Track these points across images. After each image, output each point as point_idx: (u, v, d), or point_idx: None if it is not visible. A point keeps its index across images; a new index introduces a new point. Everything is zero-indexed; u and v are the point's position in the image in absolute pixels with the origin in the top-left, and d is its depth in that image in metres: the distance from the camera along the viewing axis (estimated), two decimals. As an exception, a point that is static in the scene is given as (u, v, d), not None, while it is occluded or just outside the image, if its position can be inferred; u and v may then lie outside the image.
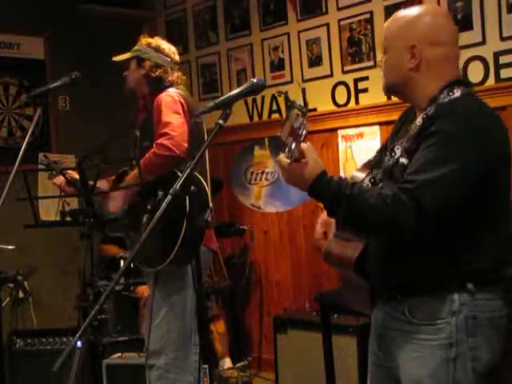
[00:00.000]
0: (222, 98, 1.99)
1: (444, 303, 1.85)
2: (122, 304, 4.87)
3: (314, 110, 4.65)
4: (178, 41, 5.42)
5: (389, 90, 2.05)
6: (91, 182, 2.94)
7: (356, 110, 4.42)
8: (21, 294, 4.73)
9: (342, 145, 4.49)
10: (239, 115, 4.93)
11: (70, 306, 4.73)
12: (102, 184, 3.19)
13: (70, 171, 3.18)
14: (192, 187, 2.93)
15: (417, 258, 1.87)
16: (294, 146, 1.81)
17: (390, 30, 1.99)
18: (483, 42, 3.79)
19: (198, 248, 3.05)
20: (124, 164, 3.28)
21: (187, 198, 2.91)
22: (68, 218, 3.03)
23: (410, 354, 1.90)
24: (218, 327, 4.66)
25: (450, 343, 1.84)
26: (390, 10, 4.03)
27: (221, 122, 1.94)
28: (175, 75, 3.31)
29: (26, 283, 4.72)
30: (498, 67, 3.76)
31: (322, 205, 1.90)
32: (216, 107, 1.97)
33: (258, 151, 4.97)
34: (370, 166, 2.13)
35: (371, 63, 4.26)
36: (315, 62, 4.63)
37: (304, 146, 1.85)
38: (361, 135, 4.38)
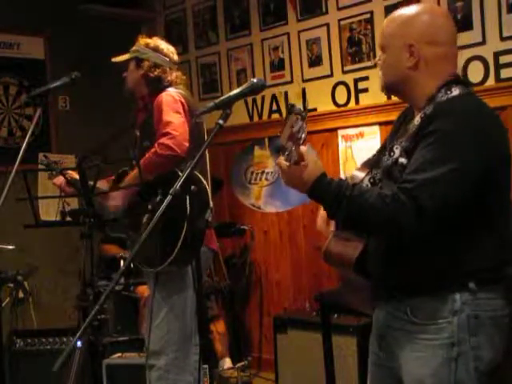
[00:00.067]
0: (221, 98, 1.99)
1: (445, 303, 1.85)
2: (122, 304, 4.87)
3: (314, 110, 4.65)
4: (178, 41, 5.43)
5: (387, 89, 2.05)
6: (91, 182, 2.94)
7: (356, 110, 4.42)
8: (21, 294, 4.73)
9: (341, 145, 4.49)
10: (239, 115, 4.94)
11: (70, 306, 4.75)
12: (102, 184, 3.19)
13: (69, 171, 3.18)
14: (192, 187, 2.93)
15: (417, 258, 1.87)
16: (293, 149, 1.82)
17: (389, 29, 1.99)
18: (483, 42, 3.79)
19: (199, 248, 3.05)
20: (124, 164, 3.28)
21: (188, 197, 2.91)
22: (68, 218, 3.03)
23: (411, 354, 1.90)
24: (218, 327, 4.65)
25: (452, 343, 1.84)
26: (390, 10, 4.01)
27: (221, 122, 1.94)
28: (174, 75, 3.31)
29: (26, 283, 4.72)
30: (498, 67, 3.76)
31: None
32: (216, 107, 1.97)
33: (257, 151, 4.97)
34: (369, 165, 2.13)
35: (371, 63, 4.26)
36: (315, 62, 4.63)
37: (303, 148, 1.85)
38: (361, 135, 4.38)
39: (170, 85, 3.27)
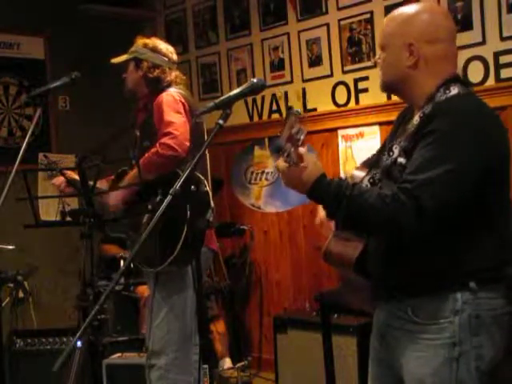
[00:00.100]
0: (221, 98, 1.99)
1: (447, 302, 1.85)
2: (122, 304, 4.87)
3: (314, 110, 4.65)
4: (178, 41, 5.43)
5: (386, 88, 2.05)
6: (91, 182, 2.94)
7: (356, 110, 4.42)
8: (21, 294, 4.73)
9: (341, 145, 4.49)
10: (239, 115, 4.94)
11: (70, 306, 4.75)
12: (102, 184, 3.20)
13: (69, 171, 3.18)
14: (192, 187, 2.93)
15: (417, 258, 1.87)
16: (292, 150, 1.82)
17: (388, 28, 1.99)
18: (483, 42, 3.79)
19: (200, 248, 3.05)
20: (124, 164, 3.28)
21: (189, 198, 2.92)
22: (68, 218, 3.03)
23: (412, 354, 1.90)
24: (218, 327, 4.66)
25: (453, 342, 1.84)
26: (390, 10, 3.96)
27: (221, 121, 1.94)
28: (173, 75, 3.31)
29: (26, 283, 4.73)
30: (498, 67, 3.76)
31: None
32: (216, 107, 1.97)
33: (257, 151, 4.97)
34: (368, 165, 2.13)
35: (371, 63, 4.26)
36: (315, 61, 4.63)
37: (302, 150, 1.85)
38: (361, 135, 4.38)
39: (170, 85, 3.27)
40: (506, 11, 3.69)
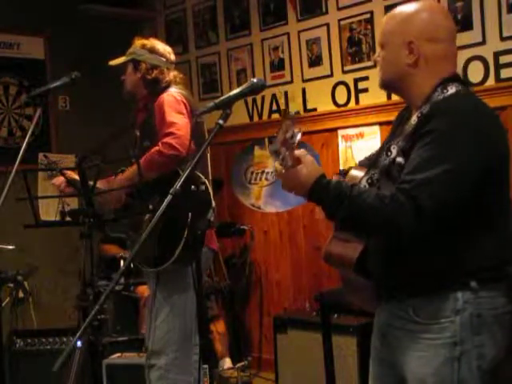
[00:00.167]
0: (221, 98, 1.99)
1: (447, 302, 1.85)
2: (122, 304, 4.87)
3: (314, 110, 4.65)
4: (178, 41, 5.43)
5: (385, 86, 2.05)
6: (91, 182, 2.94)
7: (356, 110, 4.42)
8: (21, 294, 4.73)
9: (341, 145, 4.49)
10: (239, 115, 4.94)
11: (70, 306, 4.75)
12: (102, 184, 3.19)
13: (69, 171, 3.18)
14: (192, 187, 2.93)
15: (416, 258, 1.87)
16: (286, 153, 1.81)
17: (388, 26, 1.99)
18: (483, 42, 3.79)
19: (201, 248, 3.06)
20: (124, 163, 3.28)
21: (190, 197, 2.92)
22: (68, 218, 3.03)
23: (414, 353, 1.90)
24: (218, 327, 4.66)
25: (455, 342, 1.84)
26: (390, 10, 3.97)
27: (221, 121, 1.94)
28: (172, 75, 3.31)
29: (26, 283, 4.73)
30: (498, 67, 3.76)
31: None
32: (216, 107, 1.97)
33: (257, 151, 4.97)
34: (367, 164, 2.13)
35: (371, 63, 4.26)
36: (315, 61, 4.63)
37: (298, 152, 1.84)
38: (361, 135, 4.38)
39: (169, 85, 3.27)
40: (506, 11, 3.70)
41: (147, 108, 3.29)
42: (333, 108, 4.55)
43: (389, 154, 1.95)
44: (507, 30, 3.70)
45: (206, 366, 3.15)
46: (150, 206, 3.02)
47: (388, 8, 4.10)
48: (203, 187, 3.09)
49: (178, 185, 1.84)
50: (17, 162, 2.70)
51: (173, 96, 3.17)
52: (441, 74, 1.93)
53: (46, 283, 5.01)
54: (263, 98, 4.90)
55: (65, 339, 4.37)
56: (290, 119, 1.81)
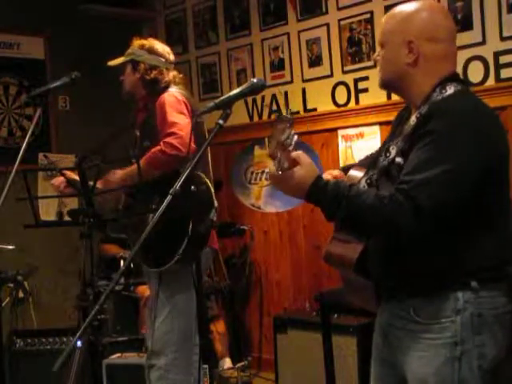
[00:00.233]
0: (221, 98, 1.99)
1: (448, 302, 1.85)
2: (122, 304, 4.87)
3: (314, 110, 4.65)
4: (178, 41, 5.43)
5: (385, 85, 2.04)
6: (91, 183, 2.94)
7: (356, 110, 4.42)
8: (21, 294, 4.73)
9: (341, 145, 4.49)
10: (239, 115, 4.94)
11: (70, 306, 4.75)
12: (101, 183, 3.19)
13: (68, 172, 3.18)
14: (192, 187, 2.93)
15: (415, 258, 1.87)
16: (282, 156, 1.80)
17: (388, 25, 1.99)
18: (483, 42, 3.79)
19: (203, 248, 3.07)
20: (124, 163, 3.28)
21: (193, 197, 2.92)
22: (66, 218, 3.03)
23: (414, 353, 1.90)
24: (218, 327, 4.65)
25: (455, 342, 1.84)
26: (390, 10, 4.02)
27: (221, 121, 1.93)
28: (171, 75, 3.31)
29: (26, 283, 4.73)
30: (498, 67, 3.76)
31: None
32: (216, 107, 1.97)
33: (257, 151, 4.97)
34: (366, 165, 2.13)
35: (371, 63, 4.26)
36: (315, 61, 4.63)
37: (295, 153, 1.83)
38: (361, 135, 4.38)
39: (169, 85, 3.27)
40: (506, 11, 3.69)
41: (147, 108, 3.29)
42: (333, 108, 4.55)
43: (388, 154, 1.95)
44: (507, 30, 3.70)
45: (206, 365, 3.15)
46: (153, 206, 3.02)
47: (388, 8, 4.10)
48: (203, 187, 3.09)
49: (177, 185, 1.83)
50: (17, 162, 2.70)
51: (174, 96, 3.17)
52: (440, 73, 1.93)
53: (46, 283, 5.01)
54: (263, 97, 4.90)
55: (65, 339, 4.37)
56: (285, 122, 1.80)
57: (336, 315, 3.84)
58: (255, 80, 2.07)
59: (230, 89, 5.02)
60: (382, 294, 2.01)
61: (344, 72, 4.47)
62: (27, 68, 5.07)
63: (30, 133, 2.87)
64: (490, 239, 1.86)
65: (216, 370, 4.32)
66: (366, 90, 4.36)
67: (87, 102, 5.18)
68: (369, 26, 4.31)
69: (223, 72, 5.23)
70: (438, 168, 1.76)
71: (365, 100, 4.38)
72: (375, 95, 4.23)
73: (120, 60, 3.38)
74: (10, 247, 4.20)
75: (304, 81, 4.70)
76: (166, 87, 3.26)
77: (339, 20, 4.46)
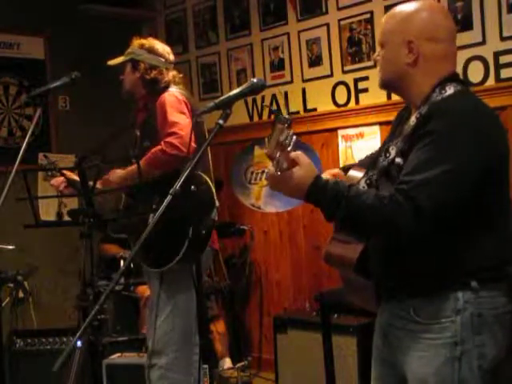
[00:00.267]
0: (221, 98, 1.99)
1: (448, 302, 1.85)
2: (122, 304, 4.87)
3: (314, 110, 4.65)
4: (178, 41, 5.43)
5: (385, 85, 2.04)
6: (91, 183, 2.94)
7: (356, 110, 4.42)
8: (21, 294, 4.73)
9: (341, 145, 4.49)
10: (239, 115, 4.94)
11: (70, 306, 4.75)
12: (101, 183, 3.19)
13: (68, 172, 3.18)
14: (192, 187, 2.93)
15: (415, 259, 1.87)
16: (281, 156, 1.80)
17: (388, 25, 1.99)
18: (483, 42, 3.79)
19: (205, 247, 3.07)
20: (124, 164, 3.28)
21: (194, 197, 2.93)
22: (65, 218, 3.03)
23: (415, 354, 1.90)
24: (218, 327, 4.65)
25: (455, 342, 1.84)
26: (390, 10, 4.02)
27: (221, 121, 1.93)
28: (171, 75, 3.31)
29: (26, 283, 4.73)
30: (498, 67, 3.76)
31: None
32: (216, 107, 1.97)
33: (258, 151, 4.97)
34: (365, 165, 2.13)
35: (371, 63, 4.26)
36: (315, 61, 4.63)
37: (293, 154, 1.83)
38: (361, 135, 4.38)
39: (168, 85, 3.27)
40: (506, 11, 3.69)
41: (147, 108, 3.29)
42: (333, 108, 4.55)
43: (387, 154, 1.95)
44: (507, 30, 3.70)
45: (206, 365, 3.15)
46: (154, 206, 3.03)
47: (388, 8, 4.10)
48: (204, 187, 3.10)
49: (177, 185, 1.83)
50: (17, 162, 2.70)
51: (174, 96, 3.17)
52: (440, 73, 1.93)
53: (46, 283, 5.01)
54: (263, 97, 4.90)
55: (65, 339, 4.37)
56: (283, 122, 1.80)
57: (336, 315, 3.84)
58: (255, 80, 2.07)
59: (230, 89, 5.02)
60: (382, 294, 2.01)
61: (344, 72, 4.47)
62: (27, 68, 5.07)
63: (29, 133, 2.87)
64: (490, 239, 1.86)
65: (216, 369, 4.32)
66: (366, 90, 4.36)
67: (87, 102, 5.18)
68: (369, 26, 4.31)
69: (223, 72, 5.23)
70: (437, 168, 1.76)
71: (365, 100, 4.38)
72: (375, 95, 4.23)
73: (120, 59, 3.38)
74: (10, 247, 4.20)
75: (304, 81, 4.70)
76: (166, 87, 3.26)
77: (339, 20, 4.46)
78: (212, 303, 4.76)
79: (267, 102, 4.90)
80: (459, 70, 3.64)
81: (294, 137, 1.80)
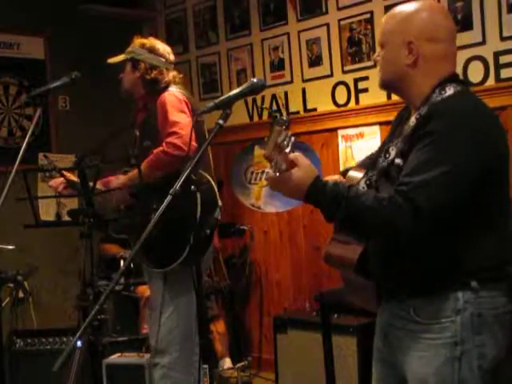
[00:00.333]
0: (221, 98, 1.99)
1: (448, 302, 1.85)
2: (122, 304, 4.87)
3: (314, 110, 4.65)
4: (178, 40, 5.43)
5: (385, 85, 2.04)
6: (91, 183, 2.94)
7: (356, 110, 4.42)
8: (21, 294, 4.73)
9: (341, 145, 4.49)
10: (239, 115, 4.93)
11: (70, 306, 4.75)
12: (102, 184, 3.19)
13: (67, 173, 3.18)
14: (192, 187, 2.94)
15: (415, 259, 1.87)
16: (279, 158, 1.79)
17: (388, 25, 1.99)
18: (483, 42, 3.79)
19: (208, 247, 3.08)
20: (125, 164, 3.28)
21: (198, 196, 2.93)
22: (64, 219, 3.03)
23: (415, 354, 1.90)
24: (218, 327, 4.65)
25: (455, 342, 1.84)
26: (390, 10, 4.02)
27: (221, 121, 1.94)
28: (171, 75, 3.31)
29: (26, 283, 4.72)
30: (498, 67, 3.76)
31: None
32: (216, 107, 1.97)
33: (258, 151, 4.97)
34: (365, 166, 2.13)
35: (371, 63, 4.25)
36: (315, 61, 4.63)
37: (292, 155, 1.83)
38: (361, 135, 4.38)
39: (168, 85, 3.27)
40: (506, 11, 3.69)
41: (147, 108, 3.29)
42: (333, 108, 4.55)
43: (387, 155, 1.95)
44: (507, 30, 3.70)
45: (206, 365, 3.16)
46: (155, 206, 3.03)
47: (388, 8, 4.10)
48: (207, 186, 3.10)
49: (177, 185, 1.83)
50: (17, 162, 2.70)
51: (174, 95, 3.17)
52: (440, 74, 1.93)
53: (46, 283, 5.01)
54: (263, 98, 4.90)
55: (65, 339, 4.37)
56: (281, 124, 1.80)
57: (336, 315, 3.84)
58: (255, 80, 2.07)
59: (230, 89, 5.02)
60: (383, 294, 2.01)
61: (344, 72, 4.47)
62: (27, 68, 5.06)
63: (29, 133, 2.87)
64: (489, 239, 1.86)
65: (216, 369, 4.32)
66: (366, 90, 4.36)
67: (87, 102, 5.18)
68: (369, 26, 4.31)
69: (223, 72, 5.23)
70: (436, 169, 1.76)
71: (365, 100, 4.38)
72: (375, 95, 4.23)
73: (120, 57, 3.37)
74: (10, 247, 4.20)
75: (304, 81, 4.70)
76: (166, 87, 3.26)
77: (339, 20, 4.46)
78: (212, 303, 4.76)
79: (267, 102, 4.90)
80: (459, 70, 3.64)
81: (292, 138, 1.80)
